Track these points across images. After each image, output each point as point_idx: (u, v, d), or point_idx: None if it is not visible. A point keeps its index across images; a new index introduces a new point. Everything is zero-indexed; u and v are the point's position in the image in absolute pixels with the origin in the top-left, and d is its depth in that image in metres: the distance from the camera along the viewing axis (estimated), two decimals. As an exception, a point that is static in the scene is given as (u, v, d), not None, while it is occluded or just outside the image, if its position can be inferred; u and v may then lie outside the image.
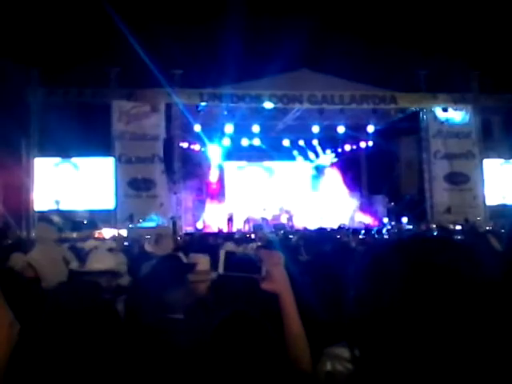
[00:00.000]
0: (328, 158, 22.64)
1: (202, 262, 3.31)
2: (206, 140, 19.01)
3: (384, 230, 14.89)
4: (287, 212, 20.47)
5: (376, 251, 1.01)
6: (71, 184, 16.69)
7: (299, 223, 19.63)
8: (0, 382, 0.89)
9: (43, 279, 2.83)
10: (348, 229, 13.80)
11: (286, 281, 1.73)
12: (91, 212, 16.60)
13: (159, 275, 2.87)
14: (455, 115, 18.40)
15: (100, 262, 3.07)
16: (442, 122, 18.35)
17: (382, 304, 0.89)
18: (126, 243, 8.26)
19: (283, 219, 20.30)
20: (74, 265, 3.17)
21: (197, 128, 17.77)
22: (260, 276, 1.69)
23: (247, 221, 19.55)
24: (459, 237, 9.65)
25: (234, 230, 18.72)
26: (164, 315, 2.52)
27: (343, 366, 1.34)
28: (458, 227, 13.47)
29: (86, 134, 15.70)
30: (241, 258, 1.70)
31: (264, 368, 1.76)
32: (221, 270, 1.75)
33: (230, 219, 19.49)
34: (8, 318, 0.91)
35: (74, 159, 16.86)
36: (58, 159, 16.81)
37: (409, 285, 0.88)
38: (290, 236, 11.07)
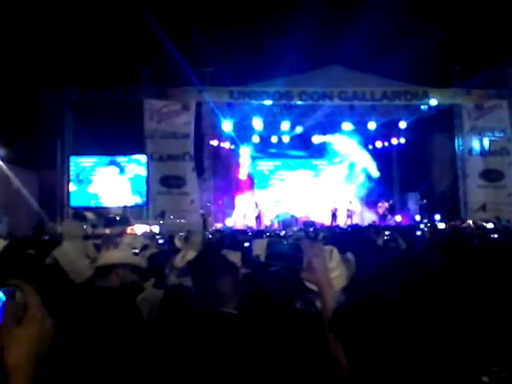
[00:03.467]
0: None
1: (234, 258, 3.33)
2: (235, 138, 19.06)
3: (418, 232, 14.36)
4: (333, 209, 20.07)
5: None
6: (109, 182, 16.99)
7: (341, 220, 19.44)
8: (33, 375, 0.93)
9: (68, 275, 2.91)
10: (377, 227, 13.59)
11: (326, 272, 1.72)
12: (124, 208, 16.91)
13: (208, 260, 2.68)
14: (489, 111, 17.96)
15: (114, 254, 3.07)
16: (477, 118, 17.96)
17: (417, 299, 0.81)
18: (160, 241, 8.25)
19: (326, 215, 20.00)
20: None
21: (226, 126, 17.84)
22: (301, 266, 1.68)
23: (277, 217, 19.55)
24: (495, 235, 9.45)
25: (263, 227, 18.77)
26: (217, 309, 2.28)
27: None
28: (490, 225, 13.07)
29: (119, 132, 16.00)
30: (283, 248, 1.71)
31: (303, 365, 1.76)
32: (263, 258, 1.76)
33: (259, 216, 19.51)
34: (41, 313, 0.95)
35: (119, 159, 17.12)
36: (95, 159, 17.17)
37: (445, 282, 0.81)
38: (321, 233, 10.98)
